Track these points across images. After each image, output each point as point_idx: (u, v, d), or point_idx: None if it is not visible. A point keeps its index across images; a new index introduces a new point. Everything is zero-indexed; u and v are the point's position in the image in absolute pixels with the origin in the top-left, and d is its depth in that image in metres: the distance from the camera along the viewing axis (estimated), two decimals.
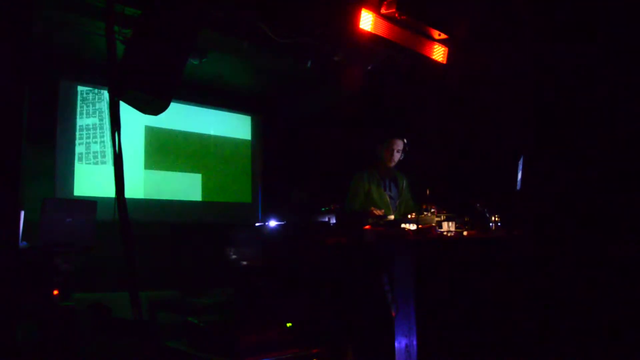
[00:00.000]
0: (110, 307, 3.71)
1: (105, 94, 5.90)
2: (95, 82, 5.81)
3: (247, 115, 7.26)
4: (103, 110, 5.92)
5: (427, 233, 2.83)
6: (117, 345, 3.22)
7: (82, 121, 5.81)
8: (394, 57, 4.52)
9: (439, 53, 4.29)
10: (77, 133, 5.75)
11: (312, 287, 2.91)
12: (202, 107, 6.80)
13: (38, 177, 5.22)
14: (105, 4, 2.55)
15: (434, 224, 2.96)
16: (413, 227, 2.88)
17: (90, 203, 4.02)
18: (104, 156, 5.84)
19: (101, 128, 5.84)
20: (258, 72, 6.16)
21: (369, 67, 4.87)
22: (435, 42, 4.25)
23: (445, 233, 2.95)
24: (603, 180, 3.32)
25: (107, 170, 5.89)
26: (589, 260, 3.07)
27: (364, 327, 2.64)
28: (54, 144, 5.56)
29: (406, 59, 4.47)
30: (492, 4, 4.16)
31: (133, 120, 5.98)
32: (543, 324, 2.98)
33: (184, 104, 6.57)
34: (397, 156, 3.89)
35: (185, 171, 6.57)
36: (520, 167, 3.38)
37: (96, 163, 5.80)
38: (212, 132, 6.87)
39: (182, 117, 6.59)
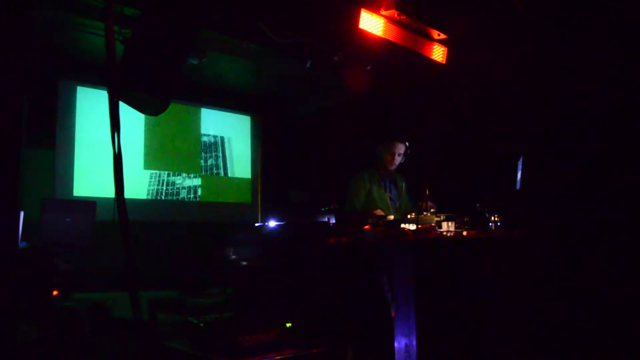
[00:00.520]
0: (110, 307, 3.70)
1: (105, 94, 5.90)
2: (95, 82, 5.82)
3: (247, 115, 7.27)
4: (103, 110, 5.93)
5: (427, 233, 2.82)
6: (117, 346, 3.22)
7: (81, 121, 5.81)
8: (393, 57, 4.52)
9: (438, 53, 4.29)
10: (77, 133, 5.75)
11: (312, 287, 2.91)
12: (201, 107, 6.81)
13: (38, 177, 5.22)
14: (104, 4, 2.54)
15: (433, 224, 2.96)
16: (413, 227, 2.88)
17: (90, 203, 4.04)
18: (103, 156, 5.85)
19: (101, 128, 5.84)
20: (258, 72, 6.17)
21: (369, 67, 4.87)
22: (435, 42, 4.26)
23: (445, 233, 2.95)
24: (603, 181, 3.32)
25: (107, 170, 5.87)
26: (589, 260, 3.07)
27: (364, 327, 2.64)
28: (54, 144, 5.56)
29: (406, 59, 4.47)
30: (492, 3, 4.16)
31: (133, 120, 5.99)
32: (543, 324, 2.98)
33: (184, 104, 6.58)
34: (398, 159, 3.87)
35: (185, 171, 6.57)
36: (520, 167, 3.38)
37: (96, 163, 5.80)
38: (211, 132, 6.88)
39: (182, 117, 6.60)
